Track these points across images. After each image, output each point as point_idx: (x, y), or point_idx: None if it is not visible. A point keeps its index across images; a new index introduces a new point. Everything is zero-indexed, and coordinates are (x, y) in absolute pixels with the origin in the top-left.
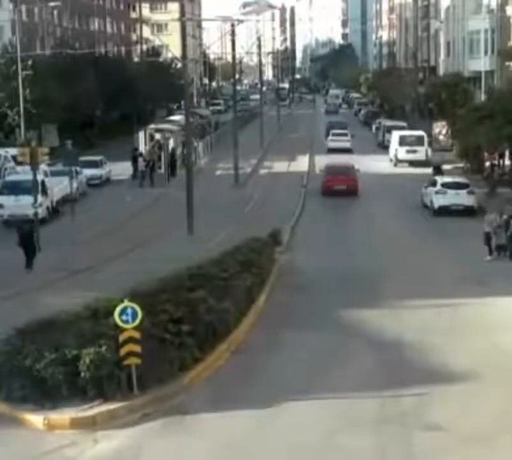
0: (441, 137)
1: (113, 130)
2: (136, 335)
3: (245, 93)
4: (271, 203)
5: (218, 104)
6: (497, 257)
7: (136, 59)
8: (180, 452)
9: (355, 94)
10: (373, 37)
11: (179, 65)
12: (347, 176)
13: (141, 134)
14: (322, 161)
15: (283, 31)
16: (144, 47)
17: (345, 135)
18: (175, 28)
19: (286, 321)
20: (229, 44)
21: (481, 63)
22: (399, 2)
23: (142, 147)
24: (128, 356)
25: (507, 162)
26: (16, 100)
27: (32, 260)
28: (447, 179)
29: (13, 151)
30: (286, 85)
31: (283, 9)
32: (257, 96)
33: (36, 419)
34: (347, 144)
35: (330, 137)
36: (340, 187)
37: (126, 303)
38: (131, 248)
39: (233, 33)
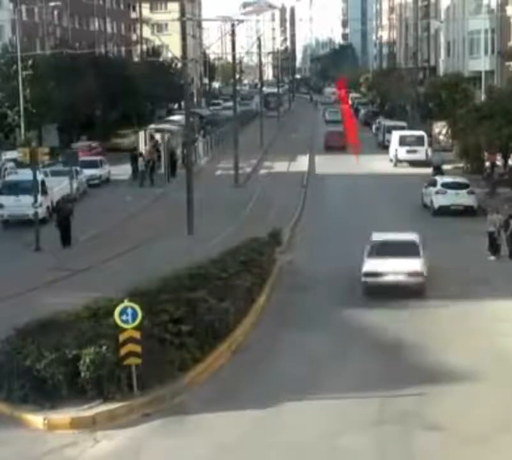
0: (441, 137)
1: (113, 130)
2: (136, 335)
3: (246, 93)
4: (271, 203)
5: (218, 104)
6: (500, 256)
7: (136, 59)
8: (180, 452)
9: (355, 94)
10: (373, 37)
11: (179, 65)
12: (339, 137)
13: (141, 134)
14: (323, 129)
15: (283, 31)
16: (144, 47)
17: (336, 112)
18: (175, 28)
19: (286, 321)
20: (229, 44)
21: (481, 63)
22: (399, 2)
23: (142, 147)
24: (128, 356)
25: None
26: (16, 100)
27: (70, 237)
28: (447, 179)
29: (11, 154)
30: (277, 90)
31: (283, 9)
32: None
33: (36, 419)
34: (338, 117)
35: (326, 113)
36: (335, 144)
37: (126, 303)
38: (131, 248)
39: (233, 33)
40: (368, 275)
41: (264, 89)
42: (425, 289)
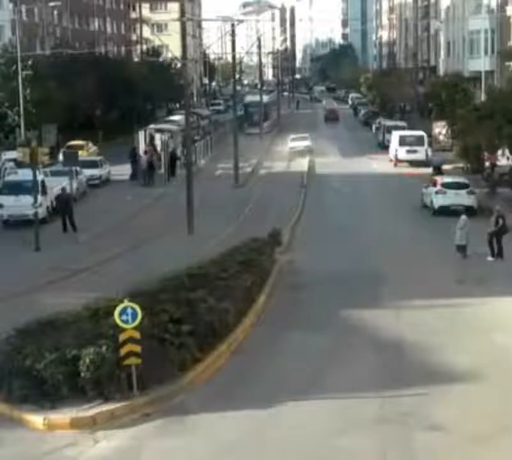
0: (441, 137)
1: (113, 130)
2: (136, 335)
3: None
4: (271, 203)
5: (218, 104)
6: (497, 257)
7: (136, 59)
8: (180, 452)
9: (355, 94)
10: (373, 37)
11: (179, 65)
12: (335, 113)
13: (141, 134)
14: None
15: (283, 31)
16: (144, 47)
17: (331, 102)
18: (175, 28)
19: (286, 321)
20: (229, 44)
21: (481, 63)
22: (399, 2)
23: (142, 148)
24: (128, 356)
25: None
26: (16, 100)
27: (74, 223)
28: (447, 179)
29: (11, 154)
30: (265, 98)
31: (283, 9)
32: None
33: (36, 419)
34: (335, 106)
35: (325, 103)
36: (332, 117)
37: (126, 303)
38: (131, 248)
39: (233, 33)
40: (291, 148)
41: (249, 97)
42: (312, 150)
